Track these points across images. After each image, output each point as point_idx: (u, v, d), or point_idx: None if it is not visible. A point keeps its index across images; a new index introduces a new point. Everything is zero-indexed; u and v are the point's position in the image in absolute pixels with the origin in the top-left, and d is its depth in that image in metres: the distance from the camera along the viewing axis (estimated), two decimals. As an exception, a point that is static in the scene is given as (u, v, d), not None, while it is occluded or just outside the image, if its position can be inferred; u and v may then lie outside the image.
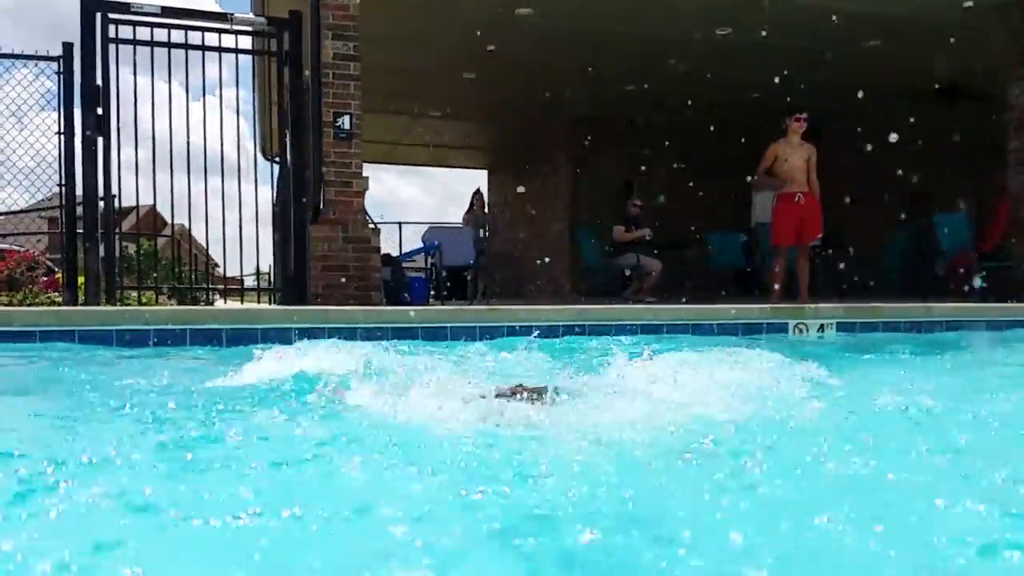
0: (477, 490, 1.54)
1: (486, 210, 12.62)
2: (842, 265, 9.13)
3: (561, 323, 5.52)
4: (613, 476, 1.67)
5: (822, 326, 5.81)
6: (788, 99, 8.31)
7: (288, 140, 6.90)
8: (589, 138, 12.65)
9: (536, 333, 4.71)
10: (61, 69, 6.50)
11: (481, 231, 11.59)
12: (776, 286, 7.33)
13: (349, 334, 4.94)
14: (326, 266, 6.61)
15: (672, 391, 2.64)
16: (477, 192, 12.17)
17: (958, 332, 5.84)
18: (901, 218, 10.20)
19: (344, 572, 1.22)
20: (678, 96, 11.22)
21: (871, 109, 10.83)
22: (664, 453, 1.90)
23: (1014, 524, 1.48)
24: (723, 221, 11.62)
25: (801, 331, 5.82)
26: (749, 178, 7.85)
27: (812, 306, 6.11)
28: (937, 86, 10.34)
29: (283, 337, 4.91)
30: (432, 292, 8.89)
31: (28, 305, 6.45)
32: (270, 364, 3.23)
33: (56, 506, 1.47)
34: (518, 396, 2.32)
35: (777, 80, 8.65)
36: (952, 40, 8.28)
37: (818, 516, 1.47)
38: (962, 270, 8.20)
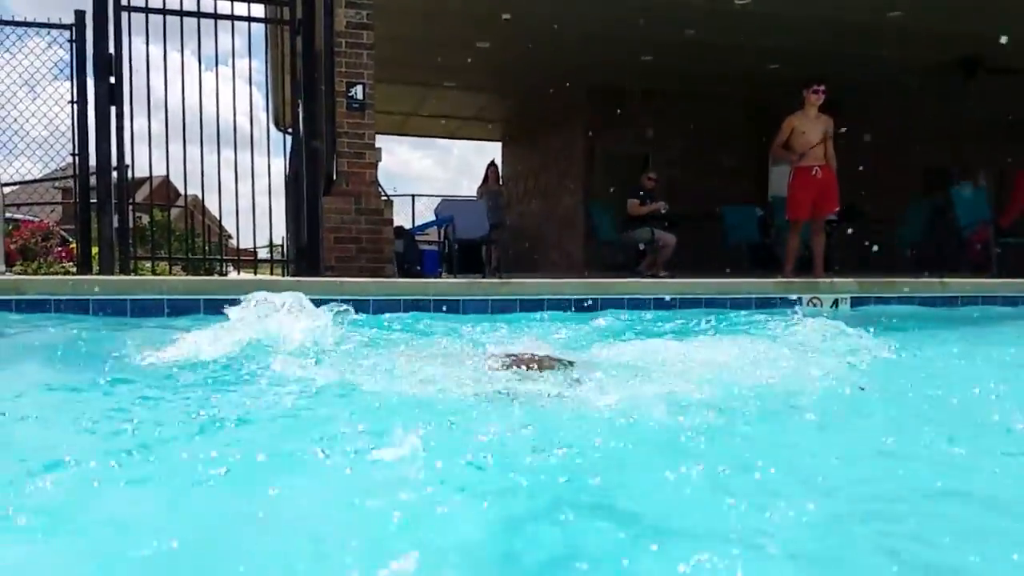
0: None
1: (500, 182, 12.42)
2: (863, 241, 9.05)
3: (573, 297, 5.50)
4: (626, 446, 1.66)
5: (836, 301, 5.77)
6: (806, 71, 8.16)
7: (300, 111, 6.86)
8: (604, 110, 12.52)
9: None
10: (73, 37, 6.48)
11: (496, 203, 11.47)
12: (790, 260, 7.27)
13: (361, 306, 4.95)
14: (339, 238, 6.61)
15: (680, 367, 2.62)
16: (492, 164, 12.04)
17: (974, 307, 5.79)
18: (921, 193, 10.08)
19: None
20: (695, 67, 11.07)
21: (891, 82, 10.65)
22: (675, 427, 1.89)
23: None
24: (739, 195, 11.52)
25: (815, 305, 5.77)
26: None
27: (826, 280, 6.06)
28: (959, 59, 10.13)
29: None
30: (444, 265, 8.88)
31: (43, 275, 6.49)
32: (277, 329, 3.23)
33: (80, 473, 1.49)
34: (527, 367, 2.31)
35: (796, 51, 8.50)
36: (974, 11, 8.09)
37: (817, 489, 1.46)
38: (979, 245, 8.11)
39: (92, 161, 6.37)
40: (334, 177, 6.63)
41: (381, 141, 7.02)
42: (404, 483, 1.36)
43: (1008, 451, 1.86)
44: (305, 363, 2.54)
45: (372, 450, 1.51)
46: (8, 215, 6.89)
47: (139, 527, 1.25)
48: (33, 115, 6.63)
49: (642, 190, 9.59)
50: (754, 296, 5.81)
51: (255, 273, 7.63)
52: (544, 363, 2.34)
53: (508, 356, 2.43)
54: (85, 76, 6.42)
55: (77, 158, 6.39)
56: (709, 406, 2.06)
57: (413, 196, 14.64)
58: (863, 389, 2.51)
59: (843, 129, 7.30)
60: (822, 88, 7.16)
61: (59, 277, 5.75)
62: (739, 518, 1.31)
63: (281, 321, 2.97)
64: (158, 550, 1.14)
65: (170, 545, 1.15)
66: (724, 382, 2.38)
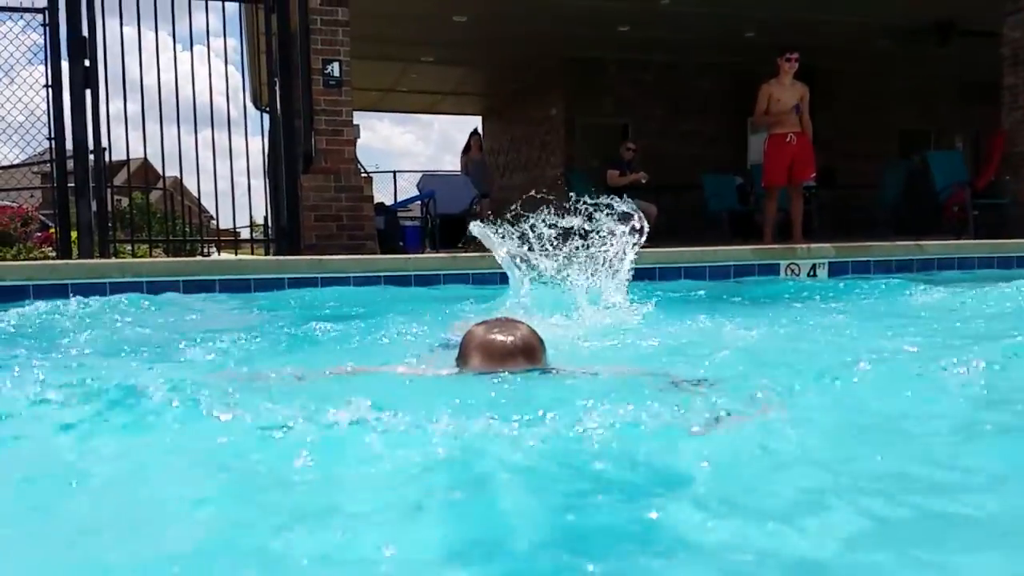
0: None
1: (482, 151, 11.80)
2: (841, 206, 9.13)
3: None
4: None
5: (814, 267, 5.85)
6: (782, 38, 8.19)
7: (277, 89, 6.83)
8: (583, 81, 12.50)
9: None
10: (46, 21, 6.40)
11: (480, 173, 11.15)
12: (768, 227, 7.34)
13: (342, 282, 4.99)
14: (319, 216, 6.62)
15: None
16: (474, 132, 11.71)
17: (951, 270, 5.88)
18: (897, 156, 10.16)
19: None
20: (672, 37, 11.04)
21: (866, 46, 10.68)
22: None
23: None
24: (719, 163, 11.57)
25: (793, 272, 5.85)
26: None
27: (803, 247, 6.14)
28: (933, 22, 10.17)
29: (276, 287, 4.98)
30: (427, 240, 8.90)
31: (22, 261, 6.47)
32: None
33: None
34: None
35: (771, 19, 8.51)
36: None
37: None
38: (956, 208, 8.20)
39: (69, 145, 6.33)
40: (312, 155, 6.62)
41: (361, 118, 7.03)
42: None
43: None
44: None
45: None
46: (-14, 201, 6.85)
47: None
48: (8, 100, 6.55)
49: (621, 160, 9.61)
50: (732, 264, 5.88)
51: (235, 253, 7.63)
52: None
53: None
54: (60, 59, 6.35)
55: (54, 142, 6.35)
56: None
57: (395, 172, 14.57)
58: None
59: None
60: (795, 56, 7.18)
61: (39, 263, 5.75)
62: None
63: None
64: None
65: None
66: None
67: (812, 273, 5.84)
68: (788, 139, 7.19)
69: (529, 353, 1.92)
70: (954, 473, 1.47)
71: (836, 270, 5.86)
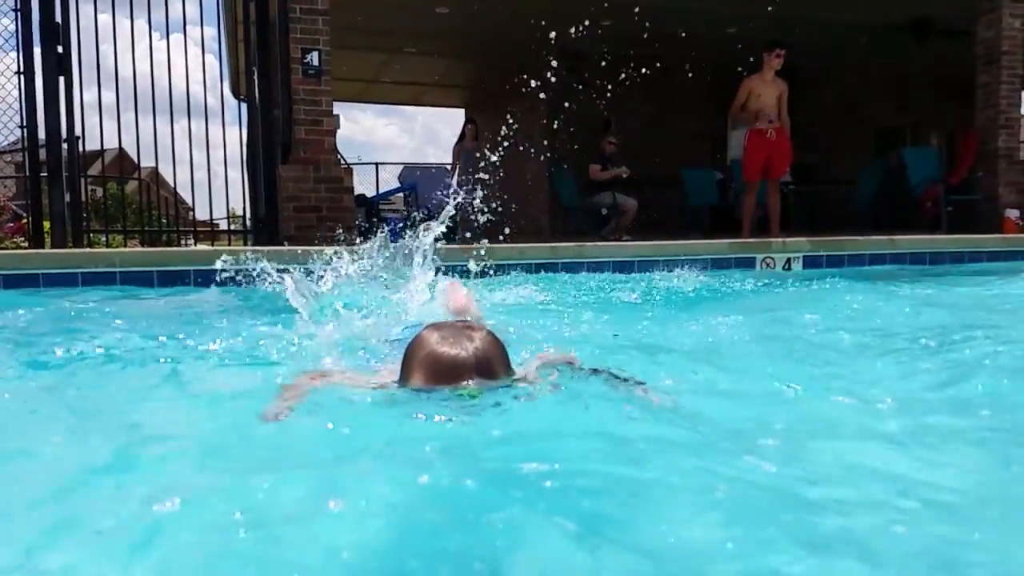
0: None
1: (477, 140, 11.10)
2: (818, 202, 9.21)
3: (535, 261, 5.58)
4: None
5: (789, 260, 5.90)
6: (763, 34, 8.23)
7: (256, 78, 6.78)
8: (565, 75, 12.48)
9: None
10: (18, 6, 6.30)
11: (471, 165, 10.82)
12: (746, 221, 7.39)
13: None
14: (298, 207, 6.58)
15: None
16: (469, 120, 11.32)
17: (923, 265, 5.96)
18: (874, 153, 10.25)
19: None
20: (654, 32, 11.06)
21: (845, 44, 10.76)
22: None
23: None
24: (700, 158, 11.61)
25: (768, 265, 5.90)
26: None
27: (779, 240, 6.19)
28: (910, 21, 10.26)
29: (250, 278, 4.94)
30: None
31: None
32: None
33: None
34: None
35: (752, 15, 8.55)
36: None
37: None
38: (930, 203, 8.30)
39: (42, 133, 6.25)
40: (291, 145, 6.58)
41: (343, 108, 6.99)
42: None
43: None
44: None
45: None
46: (-44, 190, 6.74)
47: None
48: (-21, 88, 6.46)
49: (603, 155, 9.63)
50: (710, 257, 5.92)
51: (212, 244, 7.57)
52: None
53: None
54: (32, 46, 6.27)
55: (25, 130, 6.26)
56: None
57: (377, 164, 14.51)
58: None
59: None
60: (783, 52, 7.22)
61: (9, 252, 5.67)
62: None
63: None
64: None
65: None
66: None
67: (787, 266, 5.90)
68: (768, 134, 7.24)
69: (484, 369, 1.58)
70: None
71: (811, 263, 5.92)
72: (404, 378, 1.63)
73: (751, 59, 7.51)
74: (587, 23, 10.81)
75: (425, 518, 1.14)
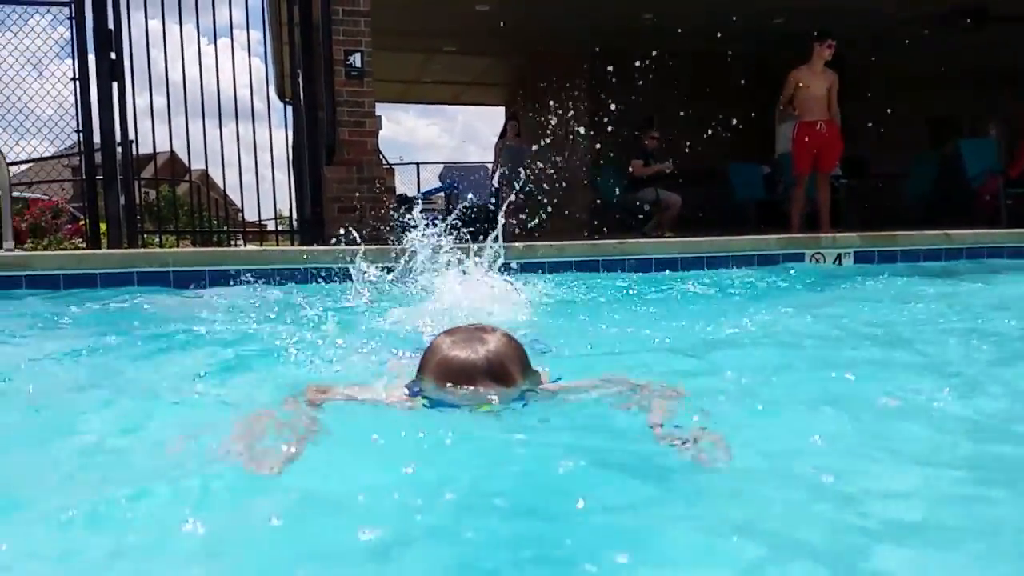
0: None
1: (520, 136, 11.01)
2: (871, 196, 8.99)
3: (575, 259, 5.54)
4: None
5: (839, 256, 5.77)
6: (812, 24, 8.05)
7: (300, 81, 6.87)
8: (607, 70, 12.39)
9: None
10: (73, 14, 6.49)
11: (516, 161, 10.59)
12: (795, 217, 7.25)
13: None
14: (341, 207, 6.65)
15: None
16: (512, 116, 11.31)
17: (979, 260, 5.77)
18: (929, 145, 9.96)
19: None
20: (698, 24, 10.92)
21: (898, 32, 10.48)
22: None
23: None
24: (746, 152, 11.42)
25: (818, 261, 5.78)
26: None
27: (828, 235, 6.05)
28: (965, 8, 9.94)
29: (301, 276, 5.01)
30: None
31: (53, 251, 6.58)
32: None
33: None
34: None
35: (800, 5, 8.37)
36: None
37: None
38: (988, 197, 8.04)
39: (97, 138, 6.43)
40: (335, 147, 6.66)
41: (385, 109, 7.05)
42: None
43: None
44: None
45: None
46: (17, 194, 6.97)
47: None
48: (36, 93, 6.68)
49: (645, 150, 9.54)
50: (756, 253, 5.82)
51: (261, 245, 7.71)
52: None
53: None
54: (87, 53, 6.45)
55: (81, 135, 6.45)
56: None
57: (418, 164, 14.60)
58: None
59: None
60: (834, 42, 7.05)
61: (69, 252, 5.85)
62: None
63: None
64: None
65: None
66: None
67: (838, 262, 5.77)
68: (818, 127, 7.09)
69: (497, 374, 1.50)
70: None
71: (862, 259, 5.77)
72: (418, 385, 1.57)
73: (798, 50, 7.35)
74: (628, 17, 10.76)
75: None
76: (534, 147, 10.80)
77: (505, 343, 1.57)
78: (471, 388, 1.49)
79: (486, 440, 1.44)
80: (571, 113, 13.53)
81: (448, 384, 1.50)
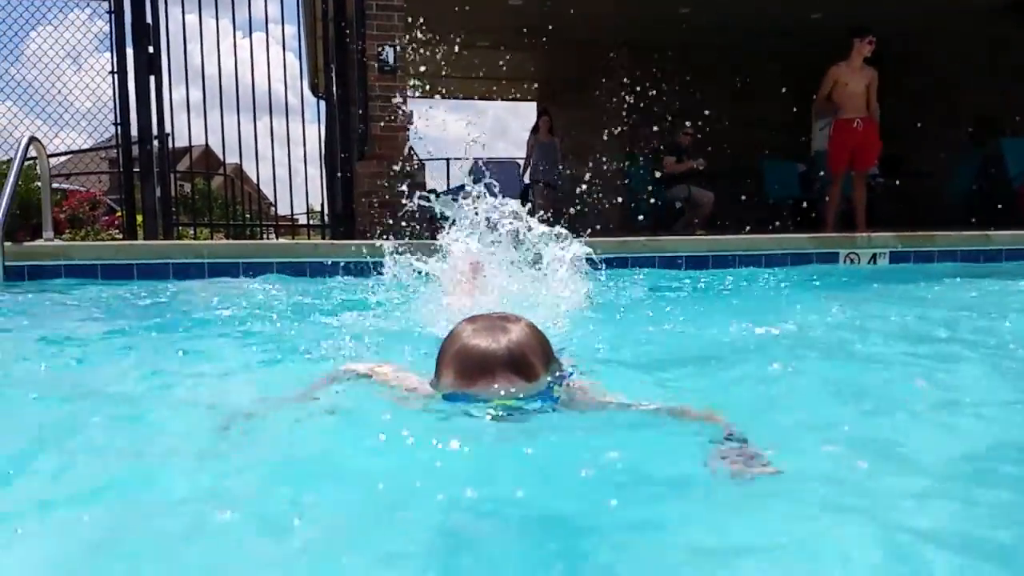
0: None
1: (552, 133, 10.83)
2: (909, 195, 8.81)
3: (604, 255, 5.49)
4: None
5: (874, 255, 5.67)
6: (850, 19, 7.90)
7: (333, 75, 6.91)
8: (641, 66, 12.30)
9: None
10: (112, 8, 6.60)
11: (547, 158, 10.38)
12: (830, 215, 7.14)
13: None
14: (372, 202, 6.68)
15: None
16: (544, 112, 11.08)
17: (1019, 261, 5.63)
18: (970, 144, 9.74)
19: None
20: (733, 19, 10.79)
21: (938, 28, 10.26)
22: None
23: None
24: (781, 150, 11.28)
25: (852, 261, 5.68)
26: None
27: (863, 235, 5.95)
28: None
29: (333, 270, 5.05)
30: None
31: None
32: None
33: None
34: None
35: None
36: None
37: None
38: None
39: (134, 131, 6.54)
40: (367, 142, 6.69)
41: (416, 104, 7.06)
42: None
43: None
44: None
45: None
46: (56, 185, 7.11)
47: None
48: (76, 86, 6.80)
49: (679, 147, 9.47)
50: (790, 252, 5.74)
51: (293, 238, 7.78)
52: None
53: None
54: (124, 46, 6.55)
55: (119, 128, 6.55)
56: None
57: (448, 160, 14.60)
58: None
59: None
60: (874, 39, 6.90)
61: (108, 243, 5.96)
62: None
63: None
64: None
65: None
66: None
67: (872, 262, 5.67)
68: (855, 124, 6.96)
69: (518, 365, 1.40)
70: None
71: (898, 259, 5.67)
72: (437, 375, 1.49)
73: (835, 46, 7.22)
74: (663, 11, 10.66)
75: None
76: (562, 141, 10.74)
77: (529, 333, 1.47)
78: (490, 380, 1.38)
79: (500, 444, 1.35)
80: (602, 109, 13.48)
81: (465, 376, 1.40)
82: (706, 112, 11.89)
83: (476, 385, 1.39)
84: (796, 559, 1.03)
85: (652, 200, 9.88)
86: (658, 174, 9.11)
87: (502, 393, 1.37)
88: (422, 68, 6.45)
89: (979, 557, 1.04)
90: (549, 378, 1.46)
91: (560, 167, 10.67)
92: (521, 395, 1.38)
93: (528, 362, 1.41)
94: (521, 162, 11.83)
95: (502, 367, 1.39)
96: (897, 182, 8.97)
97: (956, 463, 1.42)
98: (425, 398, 1.49)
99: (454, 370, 1.42)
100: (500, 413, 1.35)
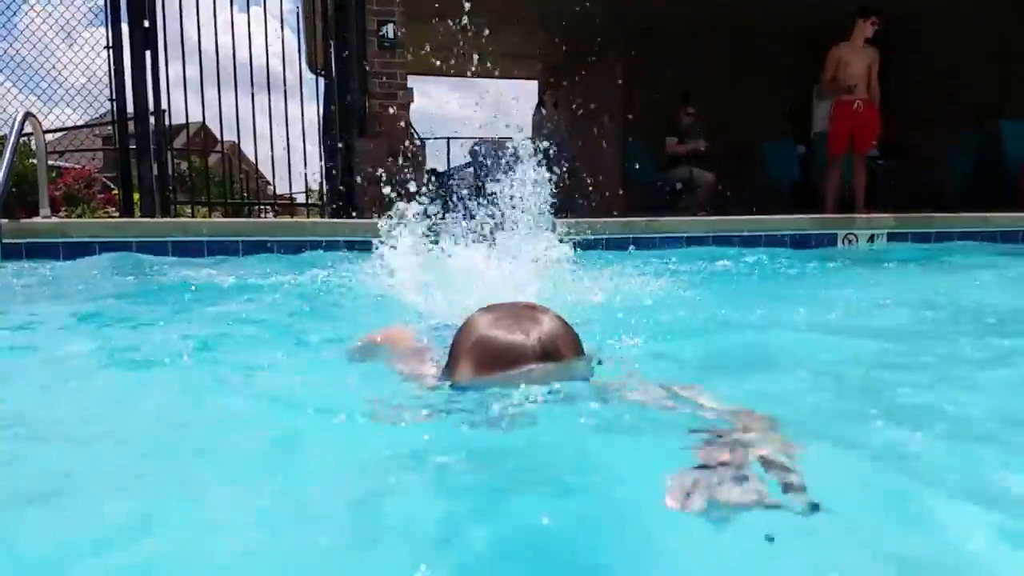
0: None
1: (556, 105, 10.59)
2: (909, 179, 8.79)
3: (605, 236, 5.50)
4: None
5: (872, 236, 5.67)
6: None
7: (332, 52, 6.85)
8: (643, 45, 12.23)
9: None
10: (107, -18, 6.52)
11: (554, 134, 10.34)
12: (830, 197, 7.12)
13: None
14: (372, 180, 6.65)
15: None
16: (549, 89, 11.12)
17: (1015, 243, 5.63)
18: (971, 129, 9.70)
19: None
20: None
21: (942, 11, 10.19)
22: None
23: None
24: (782, 131, 11.23)
25: (850, 242, 5.69)
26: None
27: (862, 216, 5.95)
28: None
29: (331, 248, 5.04)
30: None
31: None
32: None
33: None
34: None
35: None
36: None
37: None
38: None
39: (130, 108, 6.47)
40: (366, 119, 6.65)
41: (415, 82, 6.99)
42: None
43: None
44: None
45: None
46: (50, 163, 7.06)
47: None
48: (71, 61, 6.73)
49: (680, 127, 9.42)
50: (789, 233, 5.75)
51: (292, 216, 7.75)
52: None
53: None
54: (120, 21, 6.47)
55: (115, 104, 6.49)
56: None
57: (448, 139, 14.51)
58: None
59: None
60: (878, 19, 6.85)
61: (105, 220, 5.93)
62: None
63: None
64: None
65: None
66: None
67: (870, 243, 5.67)
68: (855, 106, 6.93)
69: (552, 360, 1.26)
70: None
71: (895, 241, 5.67)
72: (450, 372, 1.32)
73: (839, 28, 7.16)
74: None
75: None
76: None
77: (559, 324, 1.31)
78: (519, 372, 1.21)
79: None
80: (603, 88, 13.41)
81: (490, 370, 1.24)
82: (707, 92, 11.86)
83: (511, 377, 1.23)
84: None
85: (652, 181, 9.86)
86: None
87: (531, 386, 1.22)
88: (426, 47, 6.37)
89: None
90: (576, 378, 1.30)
91: (565, 140, 10.54)
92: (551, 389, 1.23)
93: (561, 356, 1.27)
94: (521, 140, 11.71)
95: (532, 362, 1.24)
96: (887, 164, 8.95)
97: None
98: (430, 389, 1.35)
99: (474, 363, 1.27)
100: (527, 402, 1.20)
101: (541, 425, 1.17)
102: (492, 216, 3.09)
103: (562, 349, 1.27)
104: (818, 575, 0.90)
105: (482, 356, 1.26)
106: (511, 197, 3.06)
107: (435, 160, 12.41)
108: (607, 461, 1.12)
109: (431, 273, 2.72)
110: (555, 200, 3.20)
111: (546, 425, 1.18)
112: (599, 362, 1.38)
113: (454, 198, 3.34)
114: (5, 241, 4.57)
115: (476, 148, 9.82)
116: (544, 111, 10.57)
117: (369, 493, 1.09)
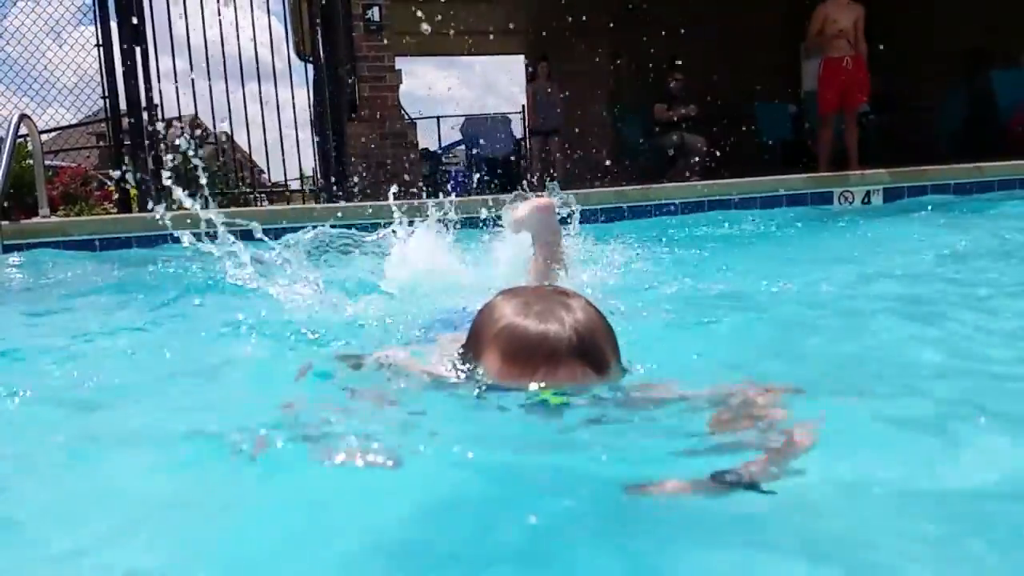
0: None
1: (550, 76, 10.52)
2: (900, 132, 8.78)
3: (599, 206, 5.53)
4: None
5: (868, 193, 5.70)
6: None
7: (319, 37, 6.84)
8: (629, 10, 12.14)
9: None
10: (93, -20, 6.49)
11: (548, 103, 10.13)
12: (823, 156, 7.15)
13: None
14: (365, 164, 6.68)
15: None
16: (543, 57, 10.76)
17: (1011, 190, 5.66)
18: (960, 78, 9.68)
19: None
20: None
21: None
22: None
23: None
24: (773, 92, 11.20)
25: (847, 199, 5.72)
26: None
27: (856, 173, 5.98)
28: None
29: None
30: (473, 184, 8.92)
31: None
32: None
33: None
34: None
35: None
36: None
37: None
38: (1021, 128, 7.85)
39: (123, 104, 6.47)
40: (356, 103, 6.65)
41: (403, 63, 6.99)
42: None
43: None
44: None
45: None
46: (47, 162, 7.07)
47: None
48: (62, 61, 6.72)
49: (669, 93, 9.40)
50: (785, 194, 5.78)
51: (288, 203, 7.78)
52: None
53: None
54: (108, 19, 6.45)
55: (107, 101, 6.49)
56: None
57: (438, 118, 14.46)
58: None
59: None
60: None
61: (102, 217, 5.96)
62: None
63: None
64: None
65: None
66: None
67: (866, 200, 5.70)
68: (844, 63, 6.93)
69: (589, 353, 1.10)
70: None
71: (892, 196, 5.70)
72: (475, 357, 1.18)
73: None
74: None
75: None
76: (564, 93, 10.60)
77: (594, 312, 1.16)
78: (553, 371, 1.08)
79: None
80: (591, 56, 13.34)
81: (517, 365, 1.10)
82: (696, 57, 11.80)
83: (532, 378, 1.09)
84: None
85: (642, 148, 9.86)
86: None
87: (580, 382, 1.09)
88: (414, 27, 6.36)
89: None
90: (618, 376, 1.16)
91: (559, 110, 10.50)
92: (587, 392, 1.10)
93: (599, 348, 1.12)
94: (512, 117, 11.72)
95: (569, 356, 1.09)
96: (879, 118, 8.95)
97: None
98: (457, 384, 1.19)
99: (500, 358, 1.12)
100: (561, 401, 1.07)
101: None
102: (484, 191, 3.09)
103: (600, 343, 1.13)
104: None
105: (509, 347, 1.12)
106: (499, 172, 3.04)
107: (426, 140, 12.37)
108: (609, 461, 1.06)
109: (436, 255, 2.71)
110: (553, 172, 3.21)
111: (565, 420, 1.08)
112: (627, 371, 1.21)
113: (448, 175, 3.33)
114: (6, 242, 4.60)
115: (465, 126, 9.81)
116: (538, 81, 10.49)
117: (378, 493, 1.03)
